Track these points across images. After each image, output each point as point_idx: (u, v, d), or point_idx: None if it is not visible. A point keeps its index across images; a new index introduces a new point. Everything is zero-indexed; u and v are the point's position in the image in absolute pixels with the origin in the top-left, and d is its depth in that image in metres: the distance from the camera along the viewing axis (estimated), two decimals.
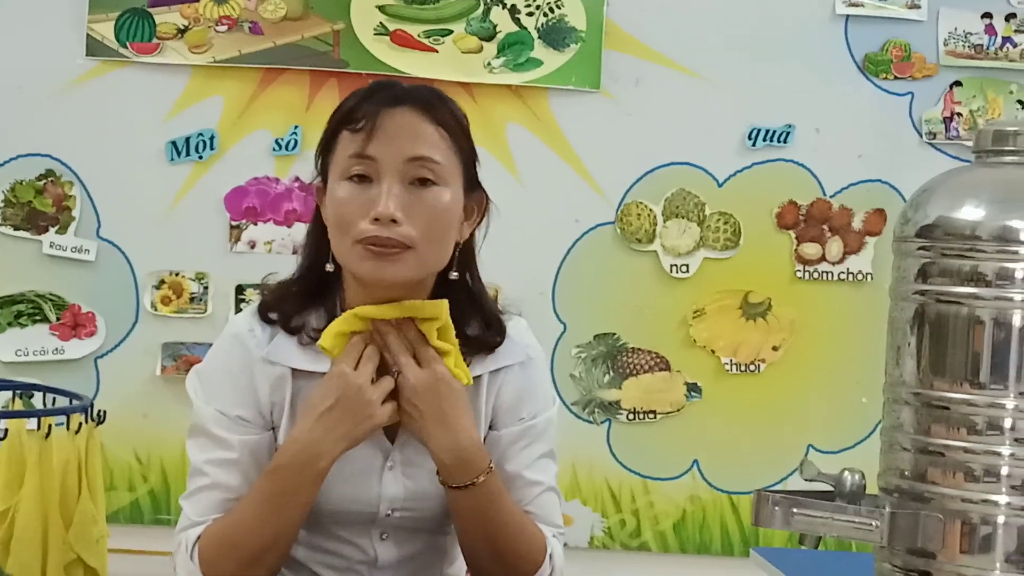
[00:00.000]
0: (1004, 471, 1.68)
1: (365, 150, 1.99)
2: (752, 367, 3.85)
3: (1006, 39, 3.85)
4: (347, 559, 2.11)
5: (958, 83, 3.85)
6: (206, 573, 2.01)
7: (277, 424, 2.07)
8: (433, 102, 2.04)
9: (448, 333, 2.03)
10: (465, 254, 2.09)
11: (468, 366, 2.07)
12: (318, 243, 2.08)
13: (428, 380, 1.99)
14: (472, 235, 2.11)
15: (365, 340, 2.01)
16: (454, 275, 2.06)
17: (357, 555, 2.11)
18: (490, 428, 2.14)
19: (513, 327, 2.15)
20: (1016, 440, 1.68)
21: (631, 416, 3.83)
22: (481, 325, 2.11)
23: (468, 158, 2.07)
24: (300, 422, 2.00)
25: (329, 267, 2.04)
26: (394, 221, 1.96)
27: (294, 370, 2.06)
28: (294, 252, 3.67)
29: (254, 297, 2.18)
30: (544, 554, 2.10)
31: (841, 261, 3.85)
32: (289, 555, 2.09)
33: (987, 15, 3.85)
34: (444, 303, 2.02)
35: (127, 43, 3.72)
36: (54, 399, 3.14)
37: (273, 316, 2.08)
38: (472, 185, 2.08)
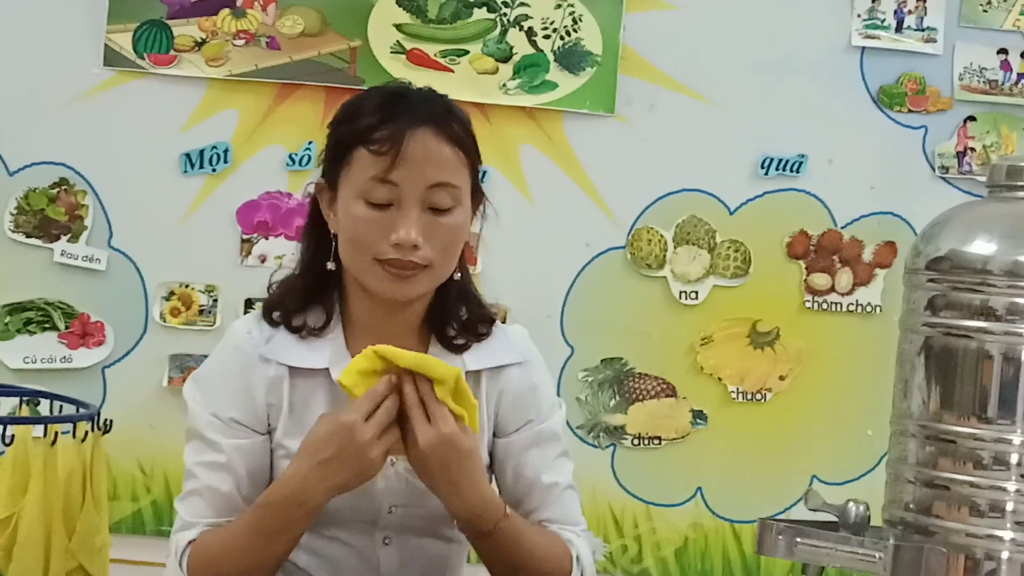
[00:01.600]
0: (1009, 507, 1.68)
1: (388, 175, 2.01)
2: (758, 396, 3.85)
3: (1021, 75, 3.85)
4: (350, 565, 2.11)
5: (972, 118, 3.86)
6: None
7: (274, 426, 2.09)
8: (448, 118, 2.07)
9: (464, 396, 1.99)
10: (461, 256, 2.14)
11: (464, 353, 2.13)
12: (318, 241, 2.12)
13: (436, 440, 1.95)
14: None
15: (385, 391, 1.95)
16: (457, 276, 2.12)
17: (359, 561, 2.11)
18: (495, 435, 2.15)
19: (512, 330, 2.20)
20: (1022, 476, 1.67)
21: (636, 441, 3.83)
22: (469, 313, 2.15)
23: (475, 170, 2.11)
24: (297, 461, 1.98)
25: (330, 265, 2.08)
26: (414, 247, 2.00)
27: (291, 368, 2.08)
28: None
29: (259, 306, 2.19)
30: (571, 563, 2.12)
31: (850, 292, 3.85)
32: (291, 562, 2.10)
33: (1003, 51, 3.86)
34: (457, 371, 1.98)
35: (144, 54, 3.73)
36: (61, 407, 3.13)
37: (276, 316, 2.11)
38: (476, 190, 2.13)
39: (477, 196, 2.13)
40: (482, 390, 2.13)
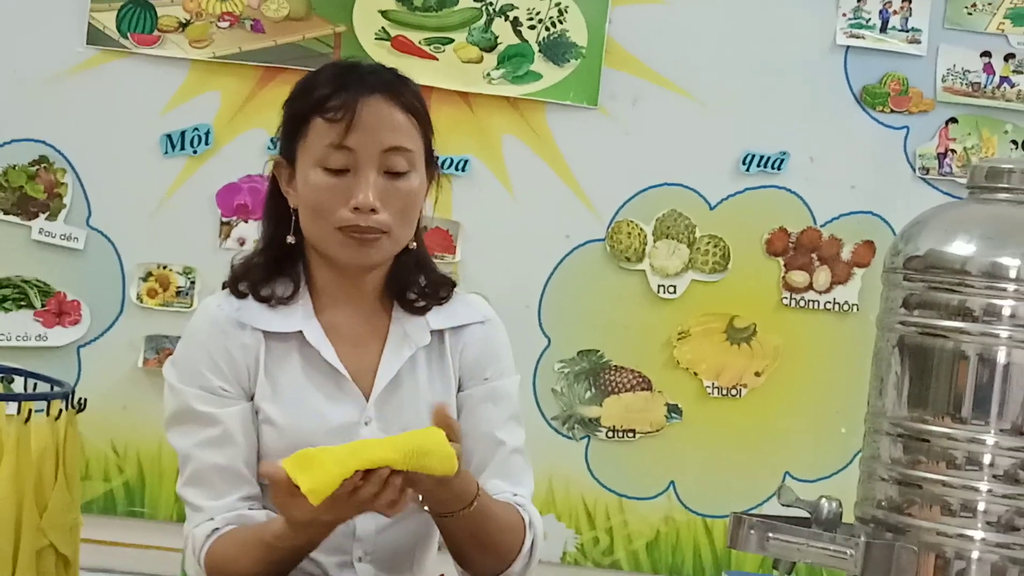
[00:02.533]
0: (981, 507, 1.69)
1: (344, 141, 2.07)
2: (734, 391, 3.86)
3: (1004, 79, 3.86)
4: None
5: (954, 120, 3.87)
6: None
7: (253, 389, 2.12)
8: (400, 87, 2.13)
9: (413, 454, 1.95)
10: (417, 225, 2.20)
11: (426, 315, 2.18)
12: (278, 216, 2.17)
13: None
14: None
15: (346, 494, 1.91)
16: (412, 245, 2.17)
17: (342, 528, 2.13)
18: (459, 390, 2.20)
19: (471, 296, 2.27)
20: (994, 476, 1.68)
21: (610, 434, 3.83)
22: (430, 281, 2.21)
23: (428, 138, 2.16)
24: (289, 531, 1.99)
25: (290, 239, 2.13)
26: (373, 210, 2.06)
27: (265, 333, 2.12)
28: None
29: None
30: (524, 530, 2.14)
31: (828, 291, 3.86)
32: None
33: (986, 54, 3.87)
34: (455, 465, 1.95)
35: (128, 34, 3.71)
36: (35, 385, 3.12)
37: (242, 287, 2.15)
38: (430, 160, 2.17)
39: (431, 168, 2.18)
40: (446, 347, 2.19)
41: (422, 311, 2.19)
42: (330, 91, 2.09)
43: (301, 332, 2.13)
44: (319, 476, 1.84)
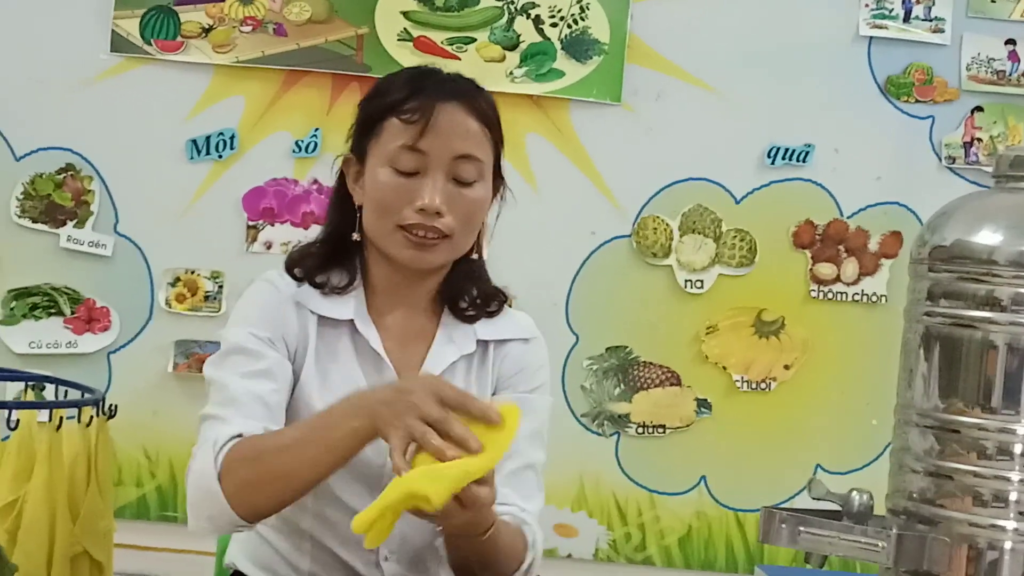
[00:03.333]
0: (1013, 496, 1.68)
1: (417, 143, 2.08)
2: (763, 385, 3.85)
3: None
4: (350, 530, 2.12)
5: (979, 108, 3.85)
6: (221, 475, 1.96)
7: (300, 365, 2.12)
8: (477, 96, 2.14)
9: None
10: (479, 235, 2.21)
11: (475, 323, 2.18)
12: (342, 212, 2.18)
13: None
14: None
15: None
16: (475, 256, 2.20)
17: None
18: (492, 395, 2.21)
19: (520, 314, 2.27)
20: None
21: (640, 430, 3.83)
22: (483, 293, 2.22)
23: (498, 149, 2.18)
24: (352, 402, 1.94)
25: (356, 236, 2.15)
26: (438, 213, 2.07)
27: (319, 317, 2.13)
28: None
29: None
30: (525, 551, 2.13)
31: (856, 282, 3.85)
32: (296, 526, 2.12)
33: (1011, 41, 3.85)
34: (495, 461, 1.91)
35: (151, 40, 3.73)
36: (66, 392, 3.14)
37: (298, 272, 2.16)
38: (497, 171, 2.19)
39: (498, 180, 2.20)
40: (489, 358, 2.21)
41: (471, 320, 2.20)
42: (408, 93, 2.11)
43: (351, 321, 2.14)
44: (439, 484, 1.81)
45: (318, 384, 2.12)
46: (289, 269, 2.17)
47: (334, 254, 2.17)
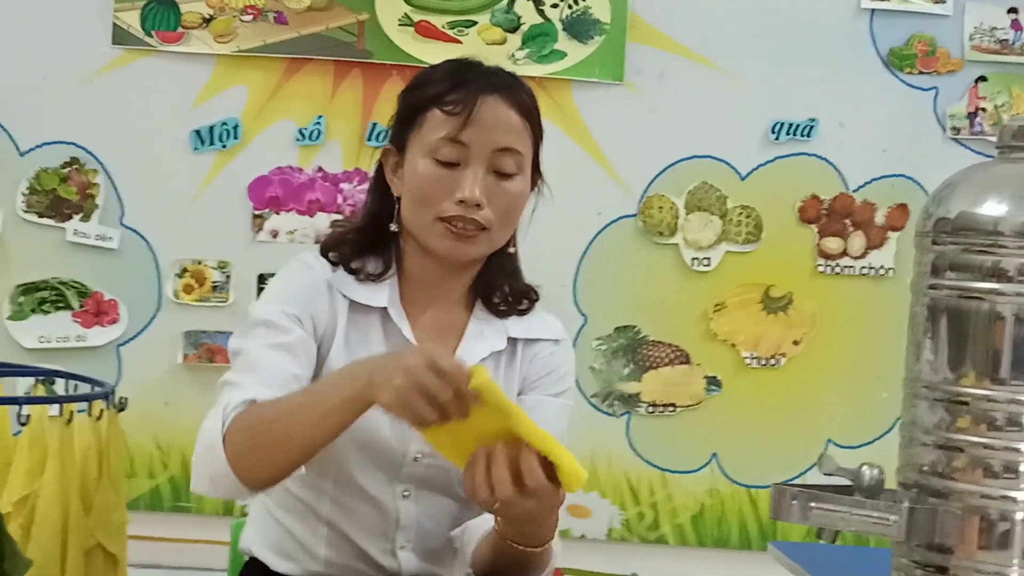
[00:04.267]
0: (1023, 467, 1.68)
1: (459, 135, 2.09)
2: (772, 361, 3.85)
3: None
4: (371, 517, 2.13)
5: (983, 78, 3.84)
6: (226, 437, 1.96)
7: (327, 348, 2.12)
8: (518, 89, 2.15)
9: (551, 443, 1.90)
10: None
11: (506, 318, 2.19)
12: (381, 202, 2.19)
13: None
14: None
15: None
16: (512, 250, 2.21)
17: (380, 513, 2.13)
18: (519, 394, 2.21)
19: (552, 317, 2.28)
20: None
21: (651, 409, 3.83)
22: (515, 289, 2.22)
23: (537, 143, 2.19)
24: (355, 369, 1.93)
25: (393, 227, 2.15)
26: (477, 205, 2.08)
27: (352, 302, 2.14)
28: (316, 242, 3.68)
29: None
30: (550, 559, 2.13)
31: (863, 256, 3.84)
32: (315, 512, 2.12)
33: (1013, 10, 3.84)
34: (581, 481, 1.89)
35: (152, 32, 3.73)
36: (76, 386, 3.15)
37: (333, 256, 2.17)
38: (535, 166, 2.20)
39: (535, 174, 2.21)
40: (517, 356, 2.22)
41: (502, 315, 2.21)
42: (450, 85, 2.11)
43: (383, 309, 2.14)
44: (494, 388, 1.82)
45: None
46: (324, 253, 2.18)
47: (371, 242, 2.18)
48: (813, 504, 1.72)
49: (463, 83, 2.11)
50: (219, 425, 1.96)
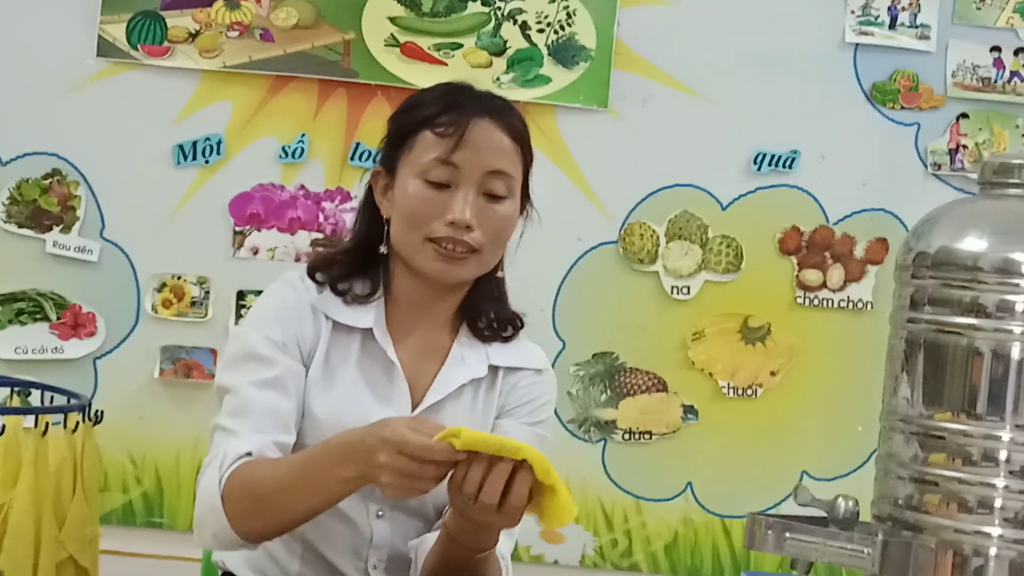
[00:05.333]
0: (998, 503, 1.68)
1: (450, 157, 2.10)
2: (750, 391, 3.85)
3: (1014, 73, 3.86)
4: (344, 535, 2.14)
5: (965, 115, 3.86)
6: (224, 497, 1.99)
7: (308, 365, 2.13)
8: (509, 113, 2.16)
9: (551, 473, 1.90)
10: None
11: (489, 345, 2.19)
12: (370, 223, 2.20)
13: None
14: None
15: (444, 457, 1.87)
16: (500, 274, 2.22)
17: (353, 532, 2.14)
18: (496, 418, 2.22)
19: (535, 346, 2.29)
20: (1011, 472, 1.68)
21: (627, 436, 3.83)
22: (500, 316, 2.23)
23: (527, 167, 2.20)
24: (374, 434, 1.91)
25: (383, 249, 2.17)
26: (468, 227, 2.08)
27: (335, 322, 2.14)
28: (296, 260, 3.68)
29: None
30: None
31: (842, 288, 3.85)
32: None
33: (996, 48, 3.86)
34: (571, 516, 1.92)
35: (138, 45, 3.72)
36: (52, 397, 3.13)
37: (320, 277, 2.17)
38: (525, 191, 2.22)
39: (524, 198, 2.22)
40: (497, 383, 2.22)
41: (487, 340, 2.21)
42: (442, 107, 2.12)
43: (367, 330, 2.15)
44: (474, 433, 1.83)
45: (323, 388, 2.13)
46: (311, 273, 2.18)
47: (359, 264, 2.18)
48: (788, 534, 1.72)
49: (455, 105, 2.12)
50: (216, 484, 1.99)
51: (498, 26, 3.78)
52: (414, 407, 2.16)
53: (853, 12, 3.84)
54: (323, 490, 1.95)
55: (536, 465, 1.85)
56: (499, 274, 2.22)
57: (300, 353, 2.13)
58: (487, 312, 2.22)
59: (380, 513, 2.15)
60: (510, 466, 1.85)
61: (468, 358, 2.20)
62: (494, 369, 2.22)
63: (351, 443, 1.91)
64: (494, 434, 1.90)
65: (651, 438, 3.84)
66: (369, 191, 2.21)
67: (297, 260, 3.69)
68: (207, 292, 3.74)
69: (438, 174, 2.10)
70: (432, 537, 2.12)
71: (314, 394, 2.12)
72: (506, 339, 2.23)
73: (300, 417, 2.11)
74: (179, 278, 3.74)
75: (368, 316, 2.15)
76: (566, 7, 3.78)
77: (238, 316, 3.65)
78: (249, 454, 2.01)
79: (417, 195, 2.11)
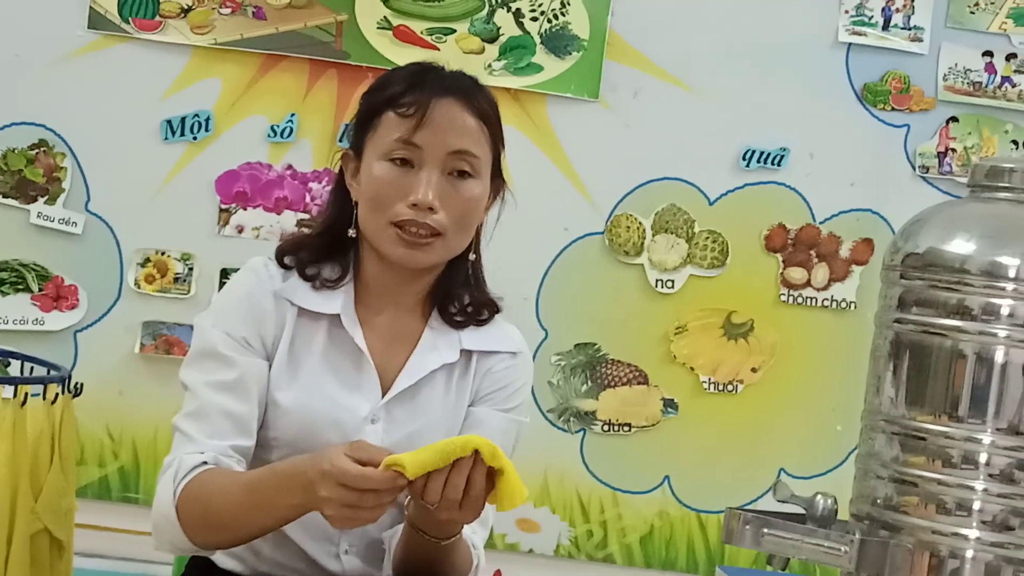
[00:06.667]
0: (976, 506, 1.69)
1: (412, 137, 2.08)
2: (730, 387, 3.86)
3: (1005, 78, 3.86)
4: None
5: (954, 119, 3.87)
6: (178, 508, 2.02)
7: (272, 356, 2.12)
8: (476, 93, 2.14)
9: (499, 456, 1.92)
10: (476, 235, 2.20)
11: (461, 330, 2.17)
12: (340, 207, 2.18)
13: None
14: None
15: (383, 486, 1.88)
16: (472, 256, 2.18)
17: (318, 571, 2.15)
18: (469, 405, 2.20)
19: (511, 327, 2.26)
20: (990, 475, 1.68)
21: (606, 427, 3.83)
22: (475, 300, 2.20)
23: (497, 148, 2.18)
24: (310, 459, 1.93)
25: (351, 233, 2.15)
26: (430, 209, 2.06)
27: (300, 309, 2.13)
28: (281, 239, 3.67)
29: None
30: (471, 573, 2.15)
31: (826, 288, 3.86)
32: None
33: (988, 53, 3.87)
34: (476, 439, 1.91)
35: (129, 18, 3.71)
36: (32, 368, 3.12)
37: (288, 261, 2.16)
38: (495, 172, 2.19)
39: (497, 182, 2.19)
40: (471, 368, 2.20)
41: (459, 326, 2.19)
42: (405, 87, 2.10)
43: (335, 316, 2.13)
44: (420, 456, 1.84)
45: (287, 377, 2.12)
46: (279, 257, 2.17)
47: (328, 247, 2.17)
48: (766, 530, 1.72)
49: (418, 85, 2.10)
50: (171, 496, 2.02)
51: (492, 13, 3.77)
52: (384, 394, 2.14)
53: (847, 12, 3.84)
54: (271, 514, 1.98)
55: (484, 451, 1.85)
56: (471, 256, 2.19)
57: (263, 346, 2.12)
58: (460, 297, 2.19)
59: (348, 551, 2.15)
60: (470, 463, 1.86)
61: (439, 343, 2.18)
62: (467, 353, 2.20)
63: (294, 473, 1.92)
64: (435, 444, 1.86)
65: (630, 430, 3.84)
66: (341, 174, 2.20)
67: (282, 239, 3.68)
68: (191, 269, 3.73)
69: (400, 155, 2.08)
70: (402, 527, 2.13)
71: (279, 385, 2.11)
72: (481, 322, 2.21)
73: (262, 413, 2.11)
74: (163, 254, 3.73)
75: (336, 302, 2.14)
76: None
77: None
78: (205, 463, 2.03)
79: (380, 176, 2.09)
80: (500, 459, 1.87)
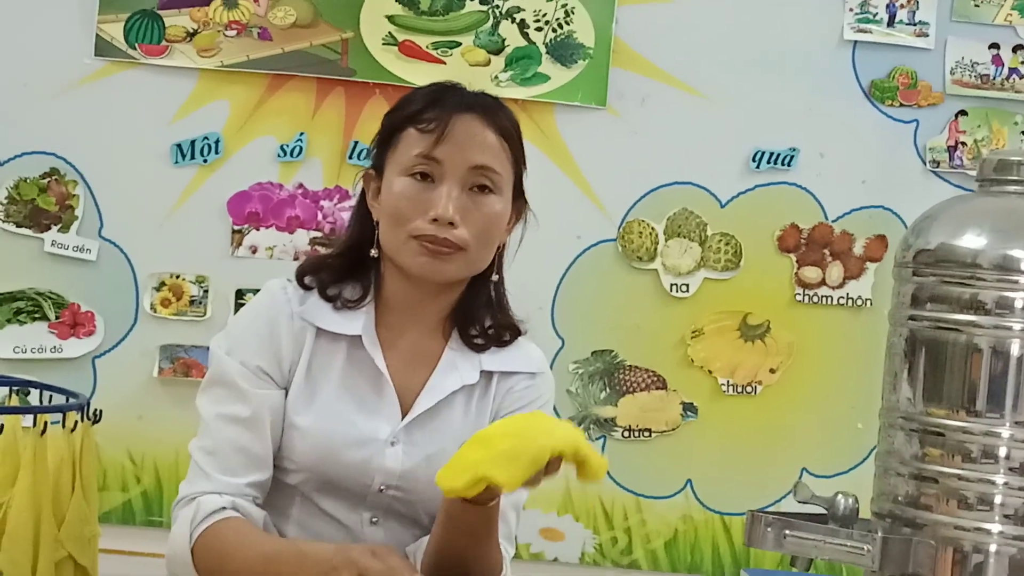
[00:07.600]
0: (998, 500, 1.68)
1: (432, 152, 2.08)
2: (749, 389, 3.85)
3: (1013, 70, 3.86)
4: (337, 541, 2.12)
5: (963, 112, 3.86)
6: (194, 552, 2.03)
7: (289, 382, 2.11)
8: (497, 111, 2.15)
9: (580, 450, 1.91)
10: (499, 255, 2.20)
11: (483, 354, 2.16)
12: (361, 226, 2.18)
13: None
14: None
15: None
16: (495, 277, 2.18)
17: (347, 538, 2.13)
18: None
19: (533, 348, 2.25)
20: (1011, 469, 1.68)
21: (626, 434, 3.83)
22: (497, 322, 2.20)
23: (519, 168, 2.18)
24: (338, 549, 1.95)
25: (373, 252, 2.14)
26: (451, 224, 2.06)
27: (319, 330, 2.12)
28: (295, 259, 3.68)
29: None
30: (501, 570, 2.13)
31: (841, 286, 3.85)
32: (280, 530, 2.12)
33: (995, 45, 3.86)
34: (559, 444, 1.91)
35: (136, 44, 3.72)
36: (51, 396, 3.13)
37: (309, 282, 2.15)
38: (518, 192, 2.19)
39: (519, 203, 2.20)
40: (491, 388, 2.19)
41: (479, 349, 2.18)
42: (426, 104, 2.11)
43: (355, 337, 2.12)
44: (513, 472, 1.83)
45: (305, 402, 2.11)
46: (299, 278, 2.16)
47: (350, 267, 2.16)
48: (788, 532, 1.72)
49: (439, 102, 2.11)
50: (187, 539, 2.02)
51: (496, 24, 3.78)
52: (403, 415, 2.13)
53: (851, 10, 3.83)
54: None
55: (567, 455, 1.85)
56: (494, 277, 2.18)
57: (280, 372, 2.11)
58: (482, 319, 2.18)
59: (375, 520, 2.14)
60: (559, 464, 1.87)
61: (459, 364, 2.17)
62: (488, 374, 2.18)
63: (317, 559, 1.92)
64: (520, 452, 1.84)
65: (650, 436, 3.84)
66: (362, 194, 2.20)
67: (295, 259, 3.69)
68: (206, 291, 3.74)
69: (420, 168, 2.08)
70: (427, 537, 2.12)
71: (297, 408, 2.10)
72: (502, 344, 2.19)
73: (279, 438, 2.10)
74: (178, 277, 3.74)
75: (357, 323, 2.13)
76: (564, 5, 3.78)
77: None
78: (224, 508, 2.04)
79: (401, 192, 2.09)
80: (580, 453, 1.86)
